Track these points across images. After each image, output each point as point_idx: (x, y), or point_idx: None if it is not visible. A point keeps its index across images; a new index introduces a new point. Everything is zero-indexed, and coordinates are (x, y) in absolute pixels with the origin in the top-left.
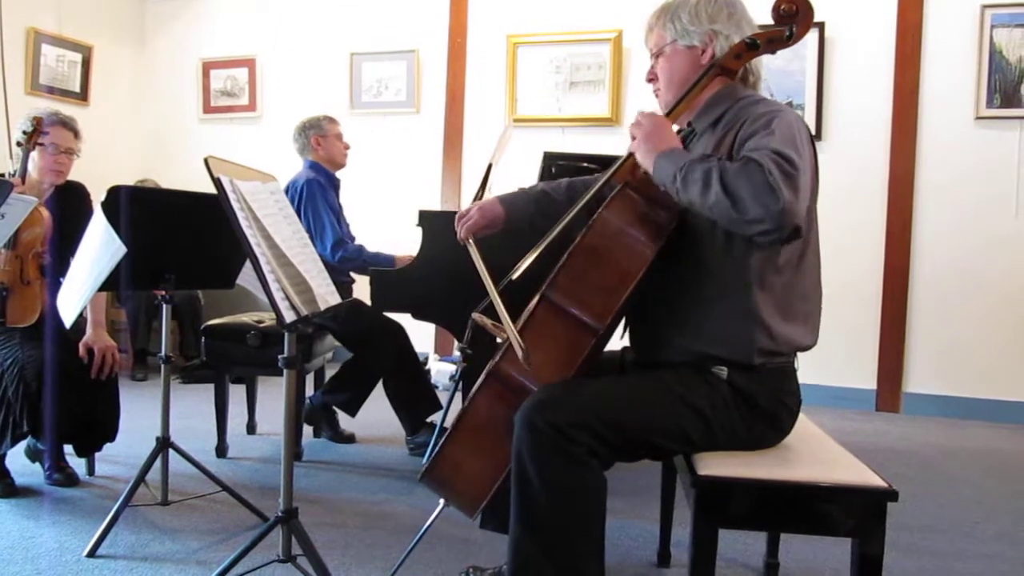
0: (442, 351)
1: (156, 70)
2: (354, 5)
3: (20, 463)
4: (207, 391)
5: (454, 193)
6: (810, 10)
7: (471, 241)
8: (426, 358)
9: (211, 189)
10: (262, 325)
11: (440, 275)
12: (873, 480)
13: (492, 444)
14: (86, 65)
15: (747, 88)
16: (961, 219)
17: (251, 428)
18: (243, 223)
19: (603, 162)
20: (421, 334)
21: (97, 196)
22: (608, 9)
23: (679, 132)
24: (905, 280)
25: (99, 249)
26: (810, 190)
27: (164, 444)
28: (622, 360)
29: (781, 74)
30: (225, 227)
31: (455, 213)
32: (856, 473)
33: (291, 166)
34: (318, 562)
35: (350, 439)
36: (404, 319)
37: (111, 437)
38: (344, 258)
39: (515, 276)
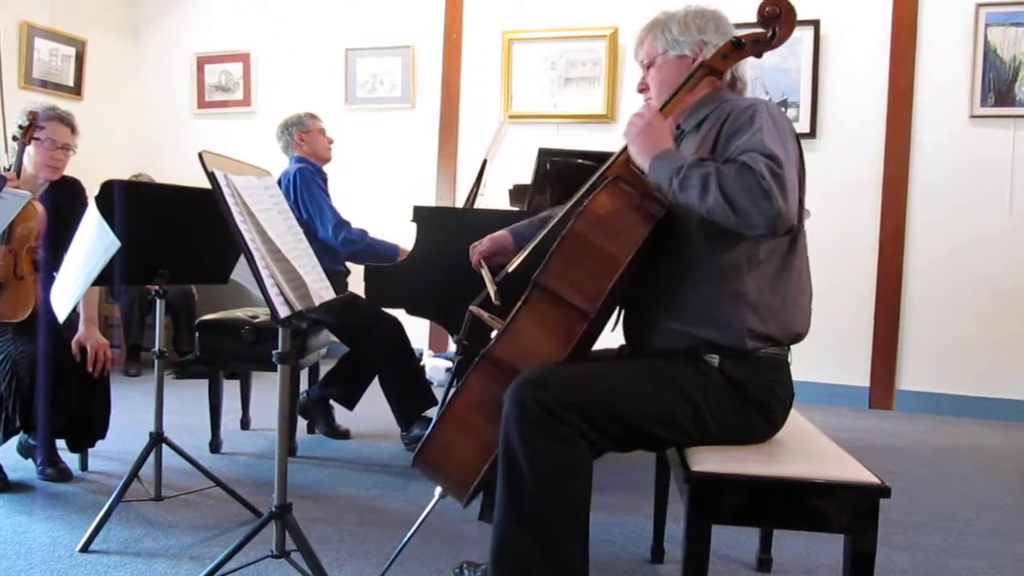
0: (436, 347)
1: (150, 64)
2: (349, 1)
3: (13, 458)
4: (201, 386)
5: (449, 189)
6: (792, 12)
7: (483, 265)
8: (420, 354)
9: (205, 184)
10: (256, 320)
11: (435, 271)
12: (866, 477)
13: (483, 425)
14: (80, 59)
15: (733, 93)
16: (954, 217)
17: (245, 423)
18: (237, 218)
19: (598, 158)
20: (415, 330)
21: (91, 190)
22: (604, 6)
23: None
24: (899, 277)
25: (93, 244)
26: (797, 183)
27: (157, 439)
28: (618, 356)
29: (776, 71)
30: (219, 222)
31: (450, 209)
32: (849, 470)
33: (285, 161)
34: (312, 557)
35: (345, 435)
36: (399, 315)
37: (102, 435)
38: (347, 239)
39: (511, 268)
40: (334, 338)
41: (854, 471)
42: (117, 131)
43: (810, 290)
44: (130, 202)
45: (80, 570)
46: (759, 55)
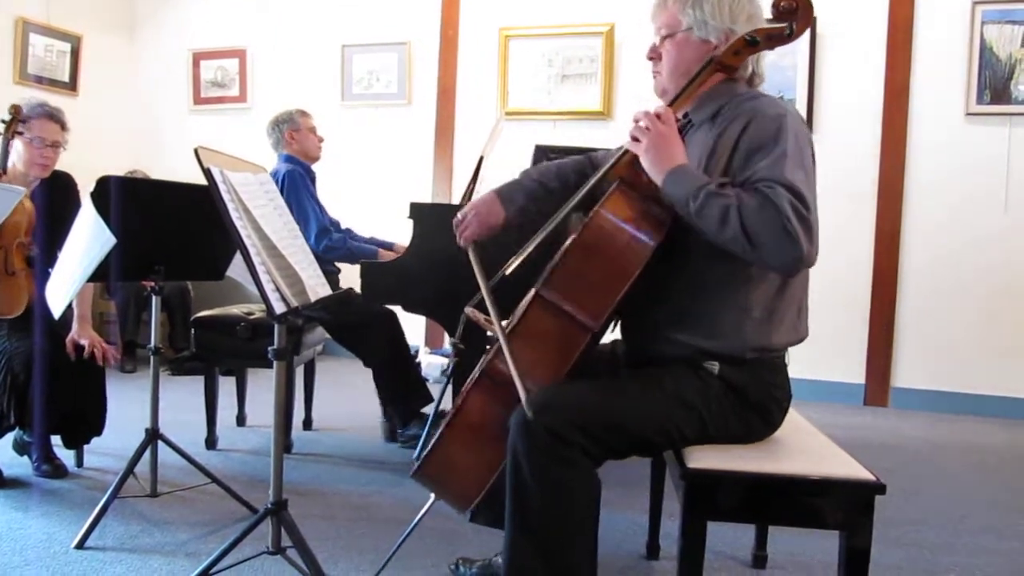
0: (433, 344)
1: (146, 60)
2: None
3: (8, 455)
4: (197, 383)
5: (445, 185)
6: (809, 7)
7: (472, 248)
8: (417, 351)
9: (201, 180)
10: (252, 317)
11: (431, 268)
12: (861, 473)
13: (485, 443)
14: (75, 55)
15: (748, 87)
16: (950, 214)
17: (241, 420)
18: (233, 214)
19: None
20: (412, 327)
21: (87, 186)
22: (600, 3)
23: (676, 123)
24: (894, 275)
25: (88, 240)
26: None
27: (153, 436)
28: (613, 353)
29: (772, 69)
30: (215, 218)
31: (447, 205)
32: (844, 467)
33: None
34: (307, 554)
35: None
36: (395, 312)
37: (98, 431)
38: (329, 247)
39: (508, 272)
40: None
41: (849, 468)
42: (112, 127)
43: (808, 293)
44: (126, 198)
45: (76, 566)
46: (771, 49)
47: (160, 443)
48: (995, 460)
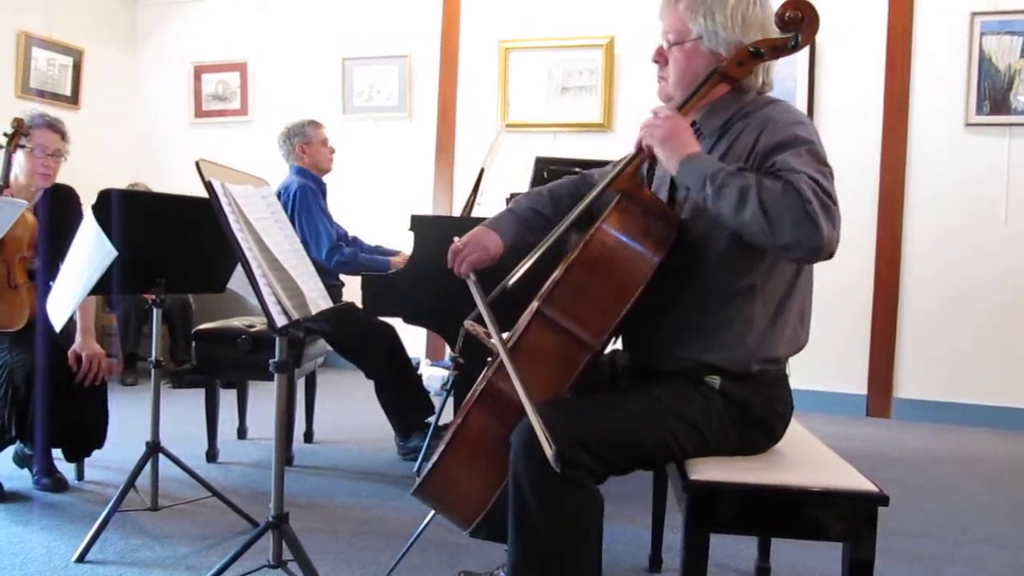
0: (433, 356)
1: (147, 74)
2: (346, 10)
3: (8, 468)
4: (197, 396)
5: (446, 197)
6: (815, 17)
7: (471, 278)
8: (417, 363)
9: (203, 193)
10: (253, 329)
11: (432, 280)
12: (864, 485)
13: (486, 461)
14: (77, 69)
15: (757, 96)
16: (950, 225)
17: (242, 433)
18: (234, 227)
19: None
20: (412, 339)
21: (88, 200)
22: (600, 16)
23: None
24: (895, 285)
25: (90, 253)
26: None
27: (154, 449)
28: (612, 364)
29: (773, 80)
30: (216, 231)
31: (447, 218)
32: (847, 478)
33: (282, 170)
34: (309, 568)
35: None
36: (396, 324)
37: (99, 444)
38: (340, 262)
39: (509, 284)
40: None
41: (852, 479)
42: (114, 140)
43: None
44: (127, 211)
45: None
46: (776, 60)
47: (161, 456)
48: (998, 471)
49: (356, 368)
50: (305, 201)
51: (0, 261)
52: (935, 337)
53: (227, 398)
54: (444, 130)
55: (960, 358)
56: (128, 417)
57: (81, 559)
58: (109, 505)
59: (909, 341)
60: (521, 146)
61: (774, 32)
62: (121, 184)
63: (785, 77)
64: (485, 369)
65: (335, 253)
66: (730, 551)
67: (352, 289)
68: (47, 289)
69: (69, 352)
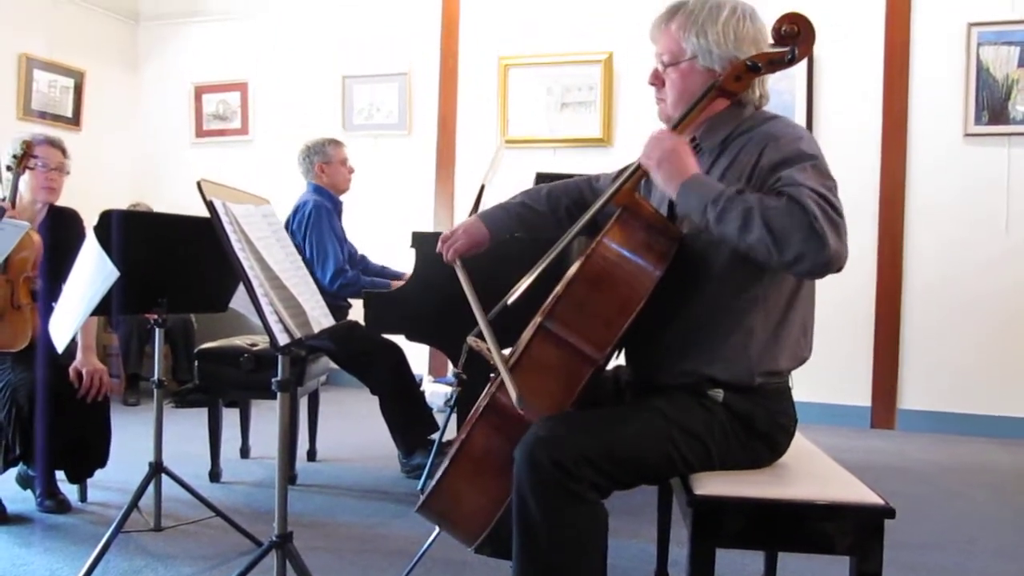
0: (436, 372)
1: (148, 94)
2: (346, 28)
3: (11, 490)
4: (200, 415)
5: (447, 214)
6: (811, 31)
7: (458, 263)
8: (420, 380)
9: (204, 212)
10: (255, 348)
11: (434, 296)
12: (870, 497)
13: (491, 477)
14: (78, 90)
15: (755, 110)
16: (952, 235)
17: (245, 452)
18: (236, 246)
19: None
20: (415, 356)
21: (90, 220)
22: (599, 32)
23: None
24: (898, 297)
25: (92, 273)
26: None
27: (157, 469)
28: (616, 380)
29: (770, 94)
30: (218, 250)
31: None
32: (852, 491)
33: (284, 189)
34: None
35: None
36: (398, 340)
37: (101, 462)
38: (343, 285)
39: (510, 302)
40: (334, 365)
41: (858, 492)
42: (115, 161)
43: (814, 315)
44: (128, 231)
45: None
46: (773, 73)
47: (164, 476)
48: (1006, 481)
49: (359, 386)
50: (318, 220)
51: (5, 281)
52: (938, 348)
53: (230, 417)
54: (444, 147)
55: (964, 369)
56: (131, 437)
57: None
58: (112, 526)
59: (912, 352)
60: (521, 162)
61: (767, 45)
62: (123, 204)
63: (783, 90)
64: (488, 385)
65: (339, 277)
66: (736, 566)
67: (357, 308)
68: (49, 310)
69: (70, 369)
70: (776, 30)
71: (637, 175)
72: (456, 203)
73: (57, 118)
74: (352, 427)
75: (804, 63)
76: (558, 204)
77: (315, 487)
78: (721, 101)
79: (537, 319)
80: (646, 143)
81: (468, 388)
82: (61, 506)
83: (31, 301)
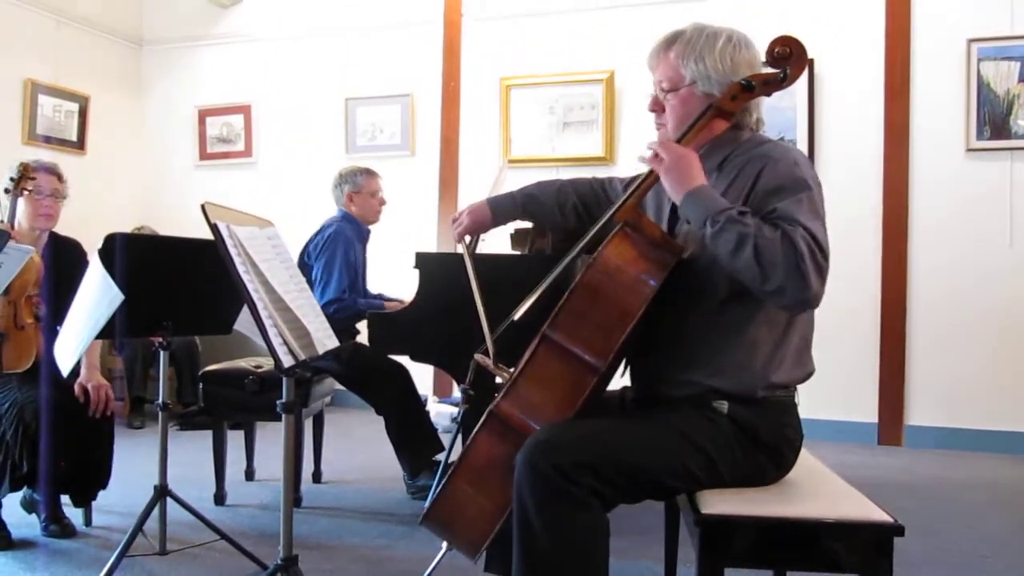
0: (441, 393)
1: (152, 118)
2: (348, 51)
3: (16, 515)
4: (205, 438)
5: (450, 235)
6: (804, 53)
7: (464, 242)
8: (425, 400)
9: (208, 235)
10: (260, 370)
11: (438, 317)
12: (878, 515)
13: (494, 484)
14: (83, 115)
15: (753, 133)
16: (955, 250)
17: (249, 474)
18: (240, 269)
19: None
20: (419, 376)
21: (94, 244)
22: (600, 51)
23: None
24: (903, 312)
25: (97, 296)
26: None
27: (162, 492)
28: (622, 400)
29: (772, 111)
30: (222, 273)
31: (452, 255)
32: (860, 508)
33: (288, 210)
34: None
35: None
36: (403, 361)
37: (103, 483)
38: (337, 309)
39: (516, 316)
40: (339, 386)
41: (866, 510)
42: (120, 184)
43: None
44: (132, 255)
45: None
46: (768, 95)
47: (169, 500)
48: (1015, 497)
49: (363, 407)
50: (332, 244)
51: (7, 302)
52: (944, 363)
53: (234, 440)
54: (447, 167)
55: (970, 383)
56: (135, 460)
57: None
58: (117, 550)
59: (918, 368)
60: (524, 181)
61: (762, 68)
62: (127, 227)
63: (785, 107)
64: (494, 396)
65: (334, 304)
66: None
67: (361, 328)
68: (53, 334)
69: (76, 385)
70: (769, 52)
71: (649, 180)
72: None
73: (62, 142)
74: (357, 448)
75: (805, 80)
76: (566, 200)
77: (320, 509)
78: (720, 123)
79: (541, 331)
80: (648, 147)
81: (476, 405)
82: (66, 530)
83: (35, 321)
